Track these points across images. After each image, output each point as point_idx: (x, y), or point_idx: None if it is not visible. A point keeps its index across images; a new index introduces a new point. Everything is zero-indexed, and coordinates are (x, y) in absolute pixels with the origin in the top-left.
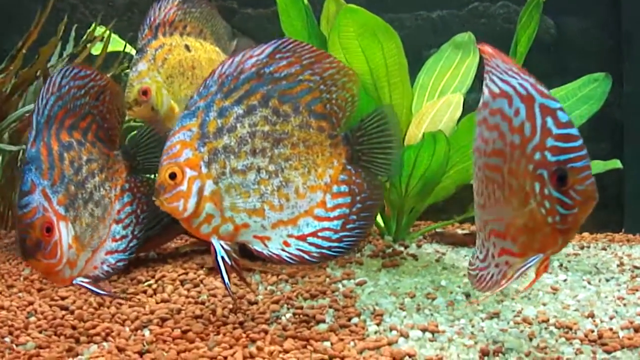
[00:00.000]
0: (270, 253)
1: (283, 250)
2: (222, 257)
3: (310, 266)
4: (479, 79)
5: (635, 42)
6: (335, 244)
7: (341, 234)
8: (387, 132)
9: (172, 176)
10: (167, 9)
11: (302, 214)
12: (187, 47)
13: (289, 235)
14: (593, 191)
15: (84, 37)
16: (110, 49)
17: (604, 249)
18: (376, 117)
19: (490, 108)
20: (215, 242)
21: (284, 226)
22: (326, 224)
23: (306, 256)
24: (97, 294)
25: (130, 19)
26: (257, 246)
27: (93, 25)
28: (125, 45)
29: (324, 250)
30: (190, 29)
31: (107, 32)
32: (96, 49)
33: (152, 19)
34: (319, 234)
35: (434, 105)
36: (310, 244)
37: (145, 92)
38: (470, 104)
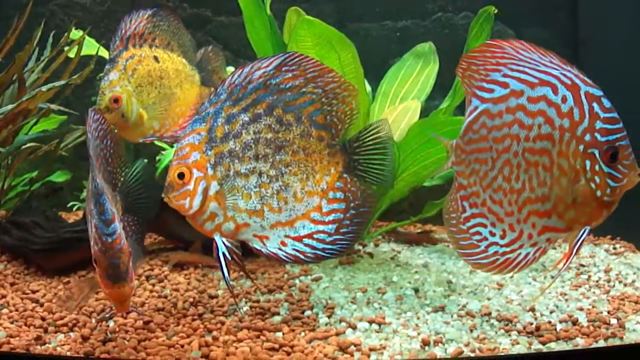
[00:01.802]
0: (268, 251)
1: (280, 249)
2: (223, 253)
3: (271, 263)
4: (438, 86)
5: (590, 51)
6: (329, 246)
7: (335, 237)
8: (382, 144)
9: (181, 176)
10: (138, 22)
11: (299, 216)
12: (155, 59)
13: (286, 236)
14: (636, 164)
15: (60, 41)
16: (88, 52)
17: (554, 247)
18: (373, 130)
19: (528, 96)
20: (217, 238)
21: (281, 227)
22: (321, 227)
23: (301, 256)
24: None
25: (107, 25)
26: (256, 244)
27: (69, 29)
28: (97, 49)
29: (318, 252)
30: (158, 41)
31: (82, 36)
32: (73, 53)
33: (123, 31)
34: (314, 236)
35: (393, 111)
36: (306, 244)
37: (116, 100)
38: (429, 110)
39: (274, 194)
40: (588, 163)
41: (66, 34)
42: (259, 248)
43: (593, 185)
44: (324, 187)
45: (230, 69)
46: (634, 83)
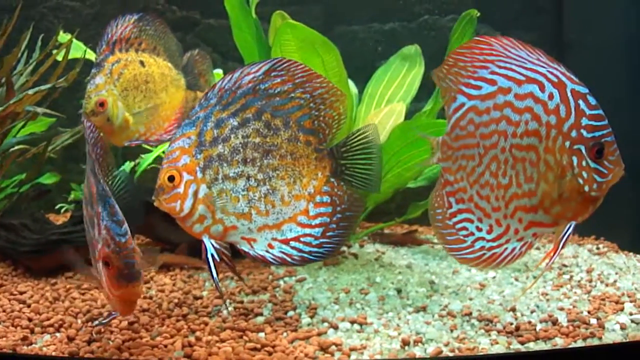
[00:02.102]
0: (255, 254)
1: (267, 251)
2: (212, 255)
3: (256, 264)
4: (424, 88)
5: (575, 53)
6: (315, 249)
7: (321, 240)
8: (369, 150)
9: (171, 179)
10: (124, 27)
11: (286, 220)
12: (141, 63)
13: (274, 239)
14: (621, 160)
15: (48, 44)
16: (76, 56)
17: (537, 248)
18: (361, 135)
19: (515, 93)
20: (206, 240)
21: (269, 230)
22: (308, 230)
23: (288, 258)
24: None
25: (97, 27)
26: (244, 247)
27: (57, 32)
28: (84, 52)
29: (304, 255)
30: (144, 46)
31: (70, 39)
32: (60, 56)
33: (109, 36)
34: (301, 239)
35: (379, 113)
36: (293, 247)
37: (102, 104)
38: (414, 113)
39: (262, 197)
40: (575, 159)
41: (54, 37)
42: (246, 250)
43: (580, 181)
44: (311, 191)
45: (218, 71)
46: (617, 85)
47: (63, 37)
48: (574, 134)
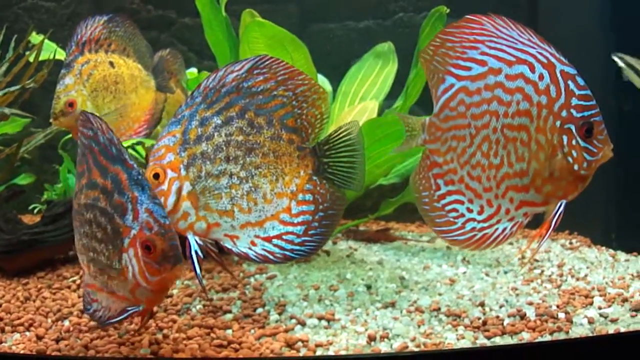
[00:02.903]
0: (238, 251)
1: (250, 249)
2: (196, 251)
3: (227, 262)
4: (397, 85)
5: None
6: (297, 247)
7: (303, 238)
8: (351, 148)
9: (156, 176)
10: (94, 28)
11: (268, 217)
12: (111, 64)
13: (256, 236)
14: (609, 139)
15: (21, 45)
16: (47, 57)
17: (510, 243)
18: (343, 133)
19: (506, 74)
20: (190, 237)
21: (251, 227)
22: (290, 228)
23: (270, 256)
24: None
25: (72, 28)
26: (227, 244)
27: (29, 33)
28: (54, 52)
29: (286, 252)
30: (114, 47)
31: (42, 40)
32: (32, 57)
33: (79, 37)
34: (283, 237)
35: (352, 111)
36: (275, 245)
37: (71, 104)
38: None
39: (244, 195)
40: (565, 138)
41: (25, 38)
42: (229, 247)
43: (570, 160)
44: (293, 189)
45: (193, 70)
46: (590, 80)
47: (35, 37)
48: (564, 113)
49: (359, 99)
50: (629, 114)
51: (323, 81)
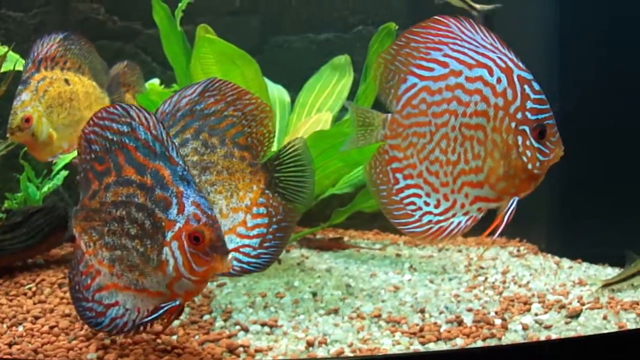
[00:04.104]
0: None
1: None
2: None
3: None
4: (353, 97)
5: None
6: (253, 260)
7: (259, 251)
8: (300, 162)
9: None
10: (50, 45)
11: (226, 231)
12: (66, 81)
13: None
14: (561, 142)
15: None
16: (8, 69)
17: (459, 251)
18: (291, 148)
19: (466, 76)
20: None
21: None
22: (247, 241)
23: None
24: None
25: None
26: None
27: None
28: (15, 63)
29: (243, 265)
30: (70, 64)
31: (7, 52)
32: None
33: (35, 54)
34: (240, 249)
35: (306, 122)
36: (233, 258)
37: (27, 120)
38: None
39: None
40: (520, 139)
41: None
42: None
43: (524, 159)
44: (247, 203)
45: (155, 81)
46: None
47: (0, 49)
48: (519, 115)
49: (316, 110)
50: (571, 116)
51: (282, 92)
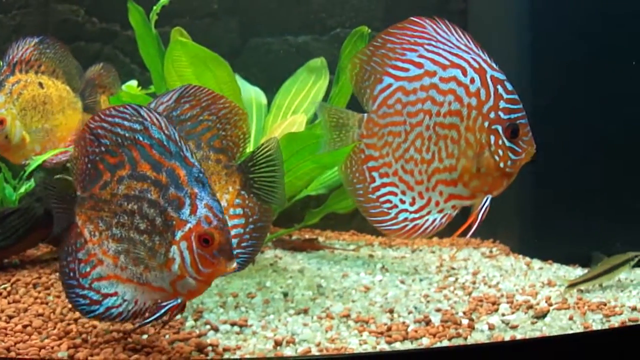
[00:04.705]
0: None
1: None
2: None
3: None
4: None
5: None
6: None
7: (236, 251)
8: (272, 163)
9: None
10: (25, 49)
11: None
12: (40, 85)
13: None
14: (533, 141)
15: None
16: None
17: (432, 252)
18: (265, 149)
19: (440, 76)
20: None
21: None
22: None
23: None
24: None
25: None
26: None
27: None
28: None
29: None
30: (44, 68)
31: None
32: None
33: (10, 57)
34: None
35: (281, 124)
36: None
37: (1, 122)
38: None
39: None
40: (492, 138)
41: None
42: None
43: (497, 158)
44: (224, 204)
45: (133, 82)
46: (521, 82)
47: None
48: (492, 115)
49: (291, 112)
50: (542, 118)
51: (259, 94)
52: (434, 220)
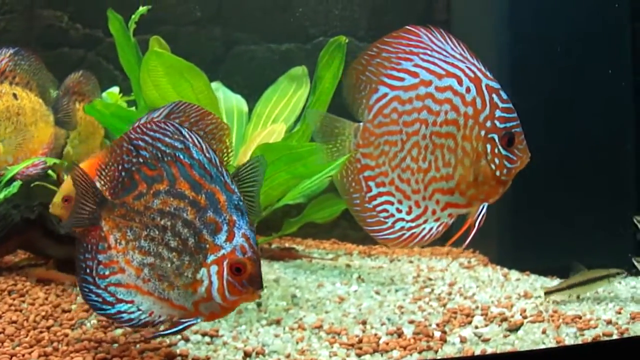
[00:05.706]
0: None
1: None
2: None
3: None
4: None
5: None
6: None
7: None
8: (255, 180)
9: None
10: (0, 60)
11: None
12: (14, 96)
13: None
14: (527, 149)
15: None
16: None
17: (410, 262)
18: (251, 167)
19: (435, 85)
20: None
21: None
22: None
23: None
24: None
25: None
26: None
27: None
28: None
29: None
30: (19, 79)
31: None
32: None
33: None
34: None
35: (261, 133)
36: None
37: None
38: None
39: None
40: (489, 146)
41: None
42: None
43: (493, 166)
44: None
45: (115, 89)
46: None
47: None
48: (488, 124)
49: (272, 121)
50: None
51: (240, 102)
52: (431, 229)
